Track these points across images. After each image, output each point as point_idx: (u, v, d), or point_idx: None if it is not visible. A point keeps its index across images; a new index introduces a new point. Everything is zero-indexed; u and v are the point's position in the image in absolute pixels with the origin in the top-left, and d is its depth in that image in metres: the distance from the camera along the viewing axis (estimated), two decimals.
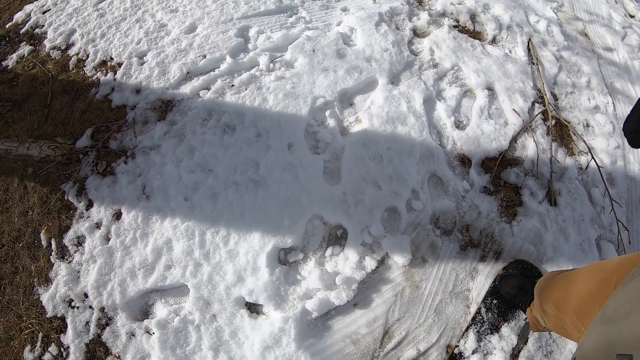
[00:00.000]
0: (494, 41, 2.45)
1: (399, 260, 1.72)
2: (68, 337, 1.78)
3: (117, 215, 1.93)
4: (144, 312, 1.81)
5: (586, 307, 0.97)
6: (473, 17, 2.55)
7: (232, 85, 2.21)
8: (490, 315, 1.68)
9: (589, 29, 2.84)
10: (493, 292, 1.70)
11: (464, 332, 1.65)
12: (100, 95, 2.27)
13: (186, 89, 2.22)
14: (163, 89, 2.23)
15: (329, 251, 1.78)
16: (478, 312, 1.68)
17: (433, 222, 1.83)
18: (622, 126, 0.87)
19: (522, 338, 1.67)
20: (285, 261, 1.77)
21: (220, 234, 1.80)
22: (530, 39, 2.47)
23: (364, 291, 1.71)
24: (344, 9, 2.64)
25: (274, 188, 1.88)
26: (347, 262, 1.73)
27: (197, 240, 1.80)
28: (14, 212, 2.05)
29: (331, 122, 2.07)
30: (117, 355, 1.74)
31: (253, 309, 1.73)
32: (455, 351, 1.62)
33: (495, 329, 1.66)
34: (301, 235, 1.78)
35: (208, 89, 2.22)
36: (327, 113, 2.10)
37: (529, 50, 2.43)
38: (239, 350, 1.65)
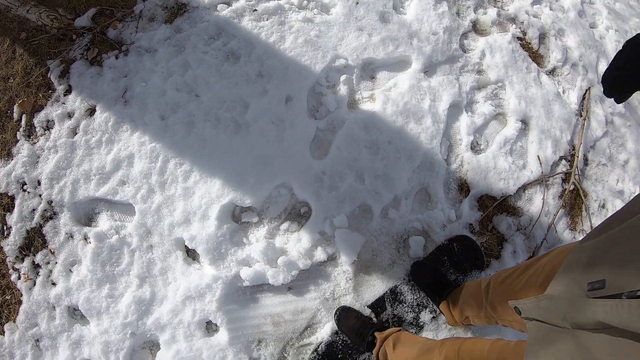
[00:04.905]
0: (552, 72, 2.14)
1: (343, 257, 1.60)
2: (12, 218, 1.75)
3: (91, 112, 1.81)
4: (88, 218, 1.74)
5: None
6: (542, 36, 2.21)
7: (255, 10, 1.97)
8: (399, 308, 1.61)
9: None
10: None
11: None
12: None
13: None
14: None
15: (285, 225, 1.66)
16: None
17: (401, 237, 1.68)
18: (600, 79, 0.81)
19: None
20: (238, 218, 1.67)
21: (183, 167, 1.68)
22: (589, 89, 2.15)
23: (303, 279, 1.61)
24: None
25: (254, 138, 1.72)
26: (297, 245, 1.61)
27: (158, 165, 1.69)
28: None
29: (342, 89, 1.85)
30: (51, 250, 1.70)
31: (190, 254, 1.65)
32: None
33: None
34: (263, 199, 1.66)
35: (228, 4, 1.98)
36: (343, 78, 1.87)
37: (583, 99, 2.12)
38: (163, 289, 1.60)
